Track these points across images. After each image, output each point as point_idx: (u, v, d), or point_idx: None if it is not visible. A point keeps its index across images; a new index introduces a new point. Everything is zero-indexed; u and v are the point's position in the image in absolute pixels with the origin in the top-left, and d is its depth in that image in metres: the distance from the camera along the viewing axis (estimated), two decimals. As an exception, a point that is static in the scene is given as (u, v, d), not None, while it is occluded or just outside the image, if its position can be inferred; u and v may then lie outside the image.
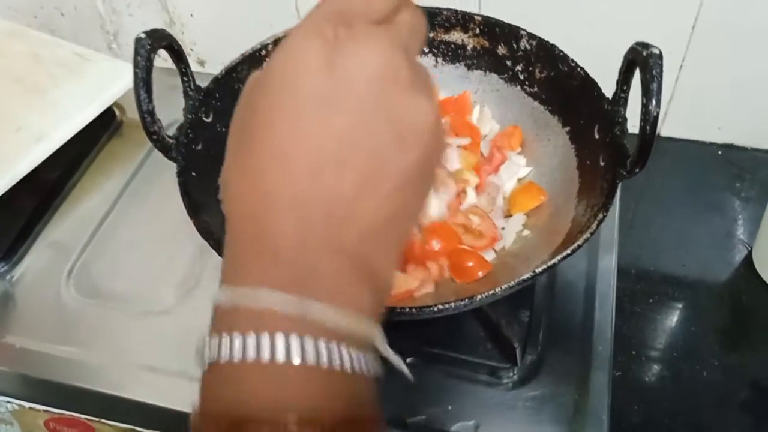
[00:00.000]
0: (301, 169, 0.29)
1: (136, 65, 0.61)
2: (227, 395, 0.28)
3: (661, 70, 0.56)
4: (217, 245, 0.61)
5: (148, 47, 0.61)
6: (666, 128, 0.92)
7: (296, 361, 0.28)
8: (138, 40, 0.61)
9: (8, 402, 0.75)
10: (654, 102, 0.56)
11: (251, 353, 0.28)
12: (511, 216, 0.75)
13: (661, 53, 0.57)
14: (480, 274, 0.68)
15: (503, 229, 0.73)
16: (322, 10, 0.31)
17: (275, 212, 0.29)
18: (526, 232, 0.73)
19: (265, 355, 0.28)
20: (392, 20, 0.32)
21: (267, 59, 0.33)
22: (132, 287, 0.78)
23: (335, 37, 0.30)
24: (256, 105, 0.31)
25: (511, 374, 0.68)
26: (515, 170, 0.76)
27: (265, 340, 0.28)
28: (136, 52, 0.61)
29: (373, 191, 0.30)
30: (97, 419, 0.71)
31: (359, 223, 0.30)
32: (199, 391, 0.30)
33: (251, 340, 0.28)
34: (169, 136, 0.67)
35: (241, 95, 0.33)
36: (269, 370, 0.28)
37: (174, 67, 0.69)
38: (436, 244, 0.69)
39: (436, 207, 0.73)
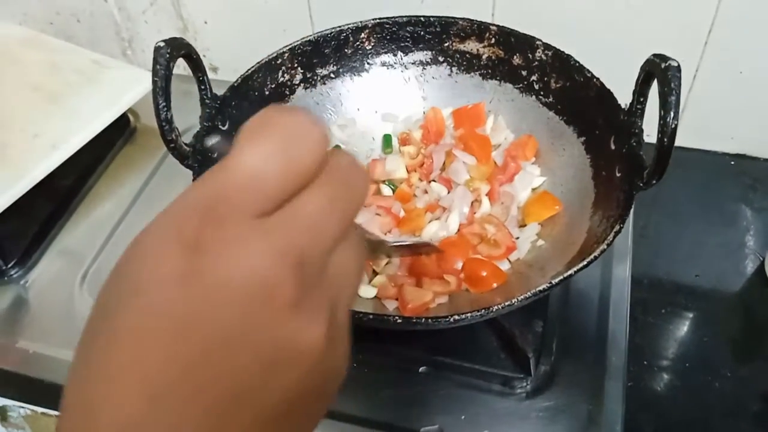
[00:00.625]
0: (135, 397, 0.23)
1: (155, 74, 0.62)
2: None
3: (680, 83, 0.56)
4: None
5: (167, 56, 0.62)
6: (679, 138, 0.90)
7: None
8: (157, 49, 0.62)
9: (21, 407, 0.75)
10: (672, 114, 0.56)
11: None
12: (525, 226, 0.75)
13: (679, 65, 0.57)
14: (495, 284, 0.68)
15: (517, 238, 0.73)
16: (189, 199, 0.25)
17: None
18: (541, 242, 0.73)
19: None
20: (288, 209, 0.25)
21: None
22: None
23: (197, 240, 0.24)
24: (102, 310, 0.25)
25: (525, 384, 0.68)
26: (529, 180, 0.76)
27: None
28: (155, 61, 0.62)
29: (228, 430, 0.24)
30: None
31: None
32: None
33: None
34: (185, 144, 0.67)
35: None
36: None
37: (186, 73, 0.69)
38: (453, 260, 0.70)
39: (452, 224, 0.73)
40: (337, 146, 0.82)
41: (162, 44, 0.62)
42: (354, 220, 0.27)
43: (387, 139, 0.83)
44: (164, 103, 0.63)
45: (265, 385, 0.25)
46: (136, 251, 0.25)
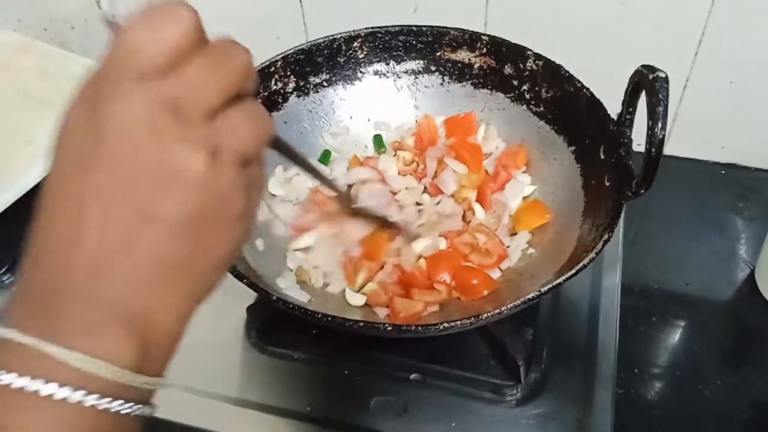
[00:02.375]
0: (63, 221, 0.31)
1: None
2: None
3: (667, 94, 0.57)
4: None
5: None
6: (670, 147, 0.92)
7: (31, 388, 0.29)
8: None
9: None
10: (660, 125, 0.57)
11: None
12: (516, 234, 0.75)
13: (667, 77, 0.58)
14: (485, 291, 0.69)
15: (508, 247, 0.74)
16: (89, 76, 0.32)
17: (34, 260, 0.32)
18: (531, 250, 0.73)
19: (5, 380, 0.29)
20: (168, 72, 0.31)
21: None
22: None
23: (94, 98, 0.30)
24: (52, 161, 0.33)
25: (515, 392, 0.69)
26: (520, 188, 0.77)
27: (7, 373, 0.30)
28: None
29: (137, 241, 0.31)
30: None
31: (124, 273, 0.31)
32: None
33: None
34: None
35: None
36: (18, 396, 0.29)
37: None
38: (443, 275, 0.70)
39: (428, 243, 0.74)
40: (327, 151, 0.83)
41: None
42: (238, 85, 0.33)
43: (378, 140, 0.84)
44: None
45: (160, 204, 0.31)
46: (62, 115, 0.32)
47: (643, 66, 0.60)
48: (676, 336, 0.77)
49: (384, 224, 0.72)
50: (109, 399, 0.30)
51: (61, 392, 0.29)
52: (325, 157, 0.82)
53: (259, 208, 0.37)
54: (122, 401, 0.31)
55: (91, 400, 0.30)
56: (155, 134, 0.30)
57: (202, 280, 0.34)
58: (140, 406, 0.32)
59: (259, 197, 0.36)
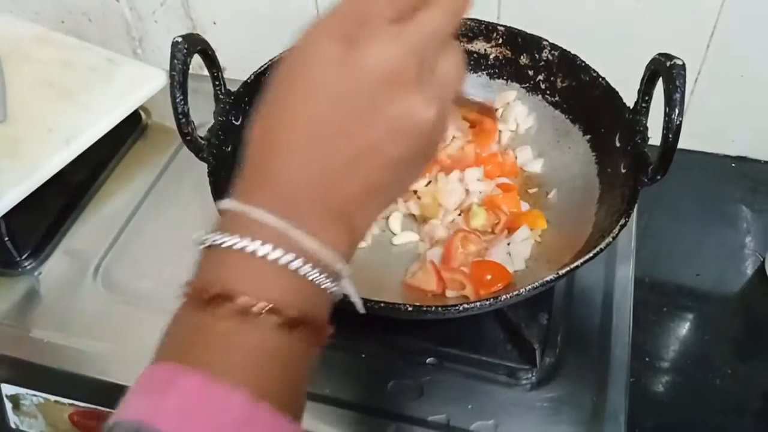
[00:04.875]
0: (306, 133, 0.35)
1: (172, 68, 0.63)
2: (212, 275, 0.35)
3: (684, 81, 0.58)
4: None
5: (185, 51, 0.63)
6: (681, 140, 0.92)
7: (272, 256, 0.34)
8: (175, 44, 0.64)
9: (34, 395, 0.76)
10: (677, 111, 0.58)
11: (238, 244, 0.34)
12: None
13: (684, 64, 0.59)
14: (499, 285, 0.69)
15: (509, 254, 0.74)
16: (338, 12, 0.35)
17: (281, 158, 0.36)
18: (539, 239, 0.75)
19: (249, 248, 0.34)
20: (411, 18, 0.34)
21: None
22: (156, 286, 0.79)
23: (349, 37, 0.34)
24: (280, 81, 0.37)
25: (530, 375, 0.70)
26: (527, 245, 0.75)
27: (251, 239, 0.34)
28: (173, 56, 0.63)
29: (361, 168, 0.36)
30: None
31: (345, 188, 0.36)
32: (193, 270, 0.37)
33: (239, 237, 0.34)
34: (200, 137, 0.68)
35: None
36: (250, 261, 0.34)
37: (193, 72, 0.70)
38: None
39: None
40: None
41: (179, 39, 0.64)
42: (455, 28, 0.36)
43: None
44: (181, 97, 0.64)
45: (387, 145, 0.35)
46: (305, 44, 0.36)
47: (660, 54, 0.62)
48: (686, 326, 0.78)
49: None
50: (324, 275, 0.36)
51: (296, 264, 0.34)
52: None
53: None
54: (330, 278, 0.36)
55: (311, 271, 0.35)
56: (403, 82, 0.34)
57: (392, 200, 0.40)
58: (338, 285, 0.37)
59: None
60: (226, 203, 0.36)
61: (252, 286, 0.34)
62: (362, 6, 0.34)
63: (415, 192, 0.78)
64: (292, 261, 0.34)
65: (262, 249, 0.34)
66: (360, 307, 0.44)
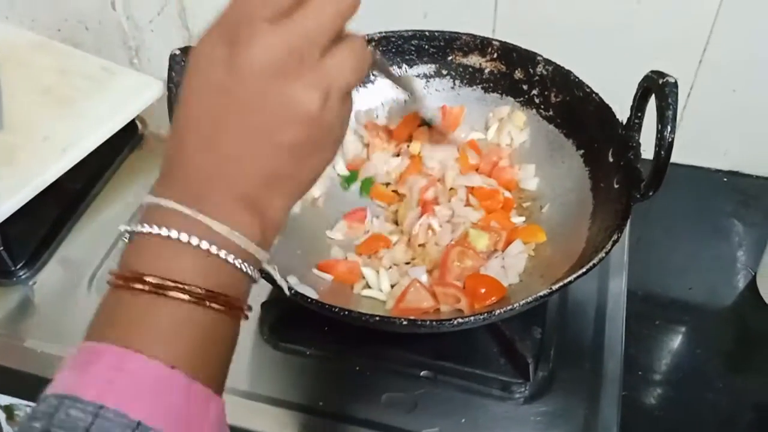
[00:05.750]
0: (203, 128, 0.39)
1: (170, 80, 0.64)
2: (131, 260, 0.39)
3: (676, 98, 0.59)
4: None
5: (182, 64, 0.64)
6: (673, 154, 0.93)
7: (183, 240, 0.38)
8: (173, 57, 0.64)
9: (27, 405, 0.76)
10: (669, 128, 0.59)
11: (153, 232, 0.38)
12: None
13: (676, 82, 0.59)
14: (494, 298, 0.69)
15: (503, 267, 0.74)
16: (224, 17, 0.39)
17: (186, 153, 0.40)
18: (532, 252, 0.75)
19: (162, 234, 0.38)
20: (290, 15, 0.37)
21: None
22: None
23: (230, 38, 0.37)
24: (182, 86, 0.40)
25: (523, 389, 0.70)
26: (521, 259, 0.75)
27: (164, 227, 0.38)
28: (171, 68, 0.64)
29: (257, 156, 0.39)
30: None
31: (245, 175, 0.39)
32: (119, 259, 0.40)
33: (155, 226, 0.38)
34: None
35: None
36: (164, 246, 0.38)
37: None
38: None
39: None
40: (368, 180, 0.84)
41: (178, 52, 0.64)
42: (345, 21, 0.39)
43: (366, 184, 0.83)
44: (178, 109, 0.64)
45: (277, 132, 0.39)
46: (196, 51, 0.39)
47: (652, 71, 0.62)
48: (679, 340, 0.79)
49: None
50: (239, 259, 0.39)
51: (206, 245, 0.38)
52: (366, 185, 0.83)
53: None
54: (245, 260, 0.40)
55: (225, 255, 0.39)
56: (282, 74, 0.37)
57: (299, 189, 0.42)
58: (253, 270, 0.41)
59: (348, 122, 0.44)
60: (146, 198, 0.40)
61: (164, 267, 0.38)
62: (240, 9, 0.38)
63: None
64: (200, 243, 0.38)
65: (173, 234, 0.38)
66: (285, 290, 0.53)
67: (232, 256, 0.39)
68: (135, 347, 0.36)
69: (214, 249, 0.38)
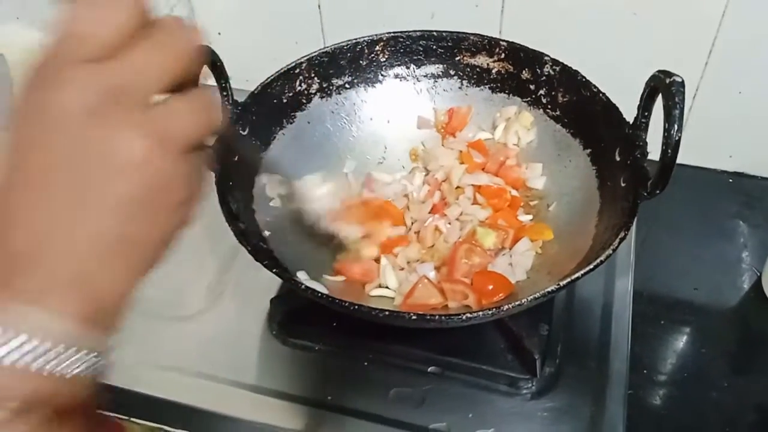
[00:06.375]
0: (9, 198, 0.32)
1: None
2: None
3: (683, 97, 0.59)
4: (254, 251, 0.63)
5: (194, 61, 0.64)
6: (679, 156, 0.94)
7: None
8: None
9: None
10: (676, 127, 0.59)
11: None
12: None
13: (683, 81, 0.60)
14: (501, 294, 0.70)
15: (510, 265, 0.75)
16: (42, 59, 0.33)
17: (2, 225, 0.33)
18: (539, 250, 0.76)
19: None
20: (112, 56, 0.32)
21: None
22: (162, 293, 0.79)
23: (45, 82, 0.32)
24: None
25: (530, 385, 0.71)
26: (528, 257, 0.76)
27: None
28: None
29: (79, 220, 0.32)
30: (126, 417, 0.73)
31: (66, 247, 0.32)
32: None
33: None
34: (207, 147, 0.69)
35: None
36: None
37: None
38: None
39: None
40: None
41: (189, 50, 0.65)
42: (183, 69, 0.34)
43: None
44: (190, 107, 0.65)
45: (102, 186, 0.32)
46: (19, 101, 0.33)
47: (659, 71, 0.63)
48: (684, 340, 0.79)
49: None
50: (57, 349, 0.32)
51: (18, 358, 0.31)
52: None
53: (201, 196, 0.37)
54: (71, 354, 0.32)
55: (41, 355, 0.31)
56: (96, 119, 0.31)
57: (142, 256, 0.35)
58: (90, 360, 0.33)
59: (202, 184, 0.37)
60: None
61: None
62: (56, 51, 0.32)
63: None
64: (25, 344, 0.31)
65: None
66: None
67: (56, 350, 0.32)
68: None
69: (25, 345, 0.31)
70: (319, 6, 0.98)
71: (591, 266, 0.60)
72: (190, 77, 0.35)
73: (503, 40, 0.82)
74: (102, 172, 0.32)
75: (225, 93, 0.72)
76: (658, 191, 0.64)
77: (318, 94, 0.83)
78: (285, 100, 0.80)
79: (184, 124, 0.34)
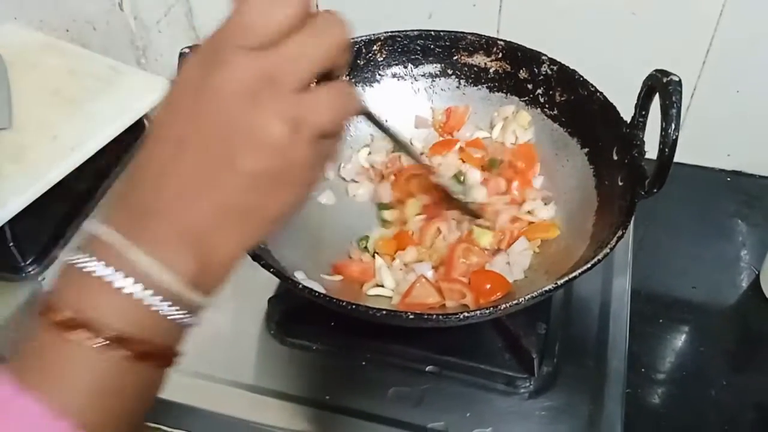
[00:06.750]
0: (162, 156, 0.37)
1: (178, 78, 0.64)
2: (63, 295, 0.36)
3: (680, 97, 0.59)
4: (251, 251, 0.63)
5: (192, 61, 0.64)
6: (677, 154, 0.94)
7: (117, 284, 0.35)
8: (182, 55, 0.65)
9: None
10: (673, 126, 0.59)
11: (87, 267, 0.35)
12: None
13: (680, 80, 0.60)
14: (499, 293, 0.70)
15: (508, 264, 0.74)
16: (207, 41, 0.37)
17: (138, 179, 0.37)
18: (537, 249, 0.76)
19: (93, 270, 0.35)
20: (275, 46, 0.35)
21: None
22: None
23: (206, 63, 0.36)
24: (157, 110, 0.39)
25: (528, 384, 0.71)
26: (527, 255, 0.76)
27: (96, 261, 0.35)
28: (179, 66, 0.64)
29: (216, 184, 0.36)
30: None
31: (201, 206, 0.36)
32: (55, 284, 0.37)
33: (89, 258, 0.35)
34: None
35: None
36: (96, 286, 0.35)
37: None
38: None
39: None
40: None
41: (187, 50, 0.65)
42: (331, 61, 0.37)
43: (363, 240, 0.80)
44: (187, 107, 0.65)
45: (238, 160, 0.36)
46: (177, 76, 0.38)
47: (656, 70, 0.63)
48: (682, 338, 0.79)
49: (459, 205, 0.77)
50: (167, 301, 0.36)
51: (123, 284, 0.35)
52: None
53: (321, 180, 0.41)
54: (173, 306, 0.36)
55: (153, 300, 0.35)
56: (246, 100, 0.35)
57: (258, 227, 0.39)
58: (186, 315, 0.37)
59: (326, 169, 0.41)
60: (87, 223, 0.38)
61: (78, 302, 0.35)
62: (221, 36, 0.36)
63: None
64: (133, 288, 0.35)
65: (91, 267, 0.35)
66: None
67: (159, 298, 0.35)
68: (30, 384, 0.34)
69: (132, 288, 0.35)
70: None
71: (588, 265, 0.60)
72: (337, 66, 0.38)
73: (501, 40, 0.82)
74: (240, 146, 0.35)
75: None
76: (655, 190, 0.64)
77: (315, 93, 0.82)
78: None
79: (323, 113, 0.37)
